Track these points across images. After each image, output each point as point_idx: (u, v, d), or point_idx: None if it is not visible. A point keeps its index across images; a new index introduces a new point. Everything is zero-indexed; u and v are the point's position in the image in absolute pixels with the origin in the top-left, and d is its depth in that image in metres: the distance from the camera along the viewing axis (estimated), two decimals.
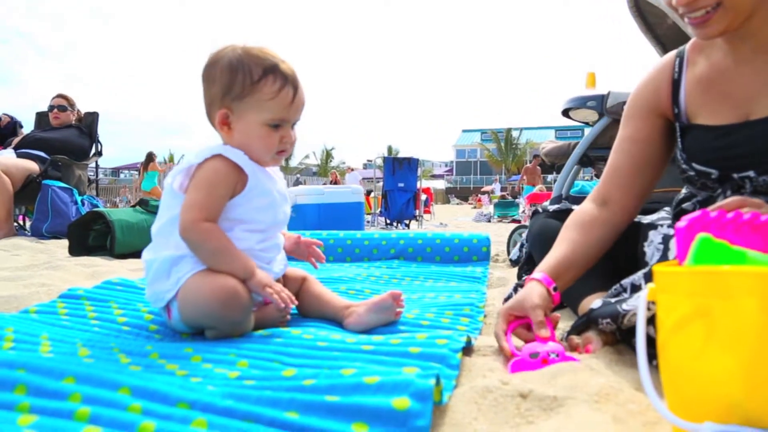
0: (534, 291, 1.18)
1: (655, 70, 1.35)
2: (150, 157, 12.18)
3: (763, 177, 1.14)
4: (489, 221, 10.95)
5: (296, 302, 1.32)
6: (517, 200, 12.63)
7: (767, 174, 1.13)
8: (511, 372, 1.04)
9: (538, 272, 1.24)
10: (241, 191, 1.27)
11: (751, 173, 1.15)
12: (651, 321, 0.84)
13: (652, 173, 1.36)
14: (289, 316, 1.37)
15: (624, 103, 1.48)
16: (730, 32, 1.13)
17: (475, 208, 20.66)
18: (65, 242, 3.35)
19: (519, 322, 1.17)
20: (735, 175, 1.18)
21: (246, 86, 1.24)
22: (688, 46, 1.32)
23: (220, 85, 1.26)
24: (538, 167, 13.20)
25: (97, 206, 4.50)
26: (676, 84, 1.30)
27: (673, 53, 1.34)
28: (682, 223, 0.81)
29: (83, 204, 4.38)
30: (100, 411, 0.73)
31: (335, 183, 15.72)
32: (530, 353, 1.06)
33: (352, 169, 15.69)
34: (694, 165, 1.25)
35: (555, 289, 1.21)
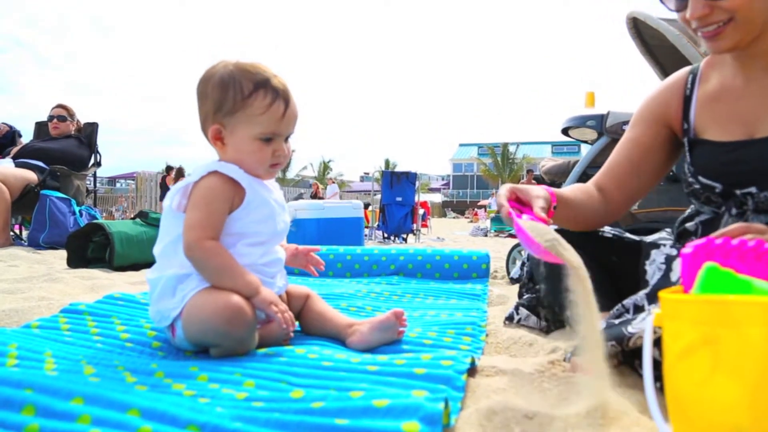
0: (539, 189, 1.20)
1: (668, 84, 1.40)
2: (180, 171, 12.53)
3: (765, 193, 1.17)
4: (486, 235, 10.98)
5: (295, 326, 1.32)
6: None
7: None
8: (517, 217, 1.09)
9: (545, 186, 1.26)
10: (239, 205, 1.28)
11: (753, 189, 1.18)
12: (656, 344, 0.85)
13: (648, 179, 1.43)
14: (292, 334, 1.37)
15: (624, 123, 1.52)
16: (741, 49, 1.17)
17: (471, 222, 20.69)
18: (63, 253, 3.34)
19: (517, 205, 1.17)
20: (738, 191, 1.20)
21: (237, 101, 1.26)
22: (702, 63, 1.36)
23: (212, 101, 1.28)
24: (534, 181, 13.28)
25: (96, 217, 4.50)
26: (687, 100, 1.34)
27: (687, 69, 1.39)
28: (688, 249, 0.82)
29: (81, 215, 4.38)
30: None
31: (316, 194, 15.59)
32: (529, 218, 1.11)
33: (333, 181, 15.73)
34: (700, 178, 1.28)
35: (554, 207, 1.22)
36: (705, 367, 0.66)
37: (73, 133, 4.91)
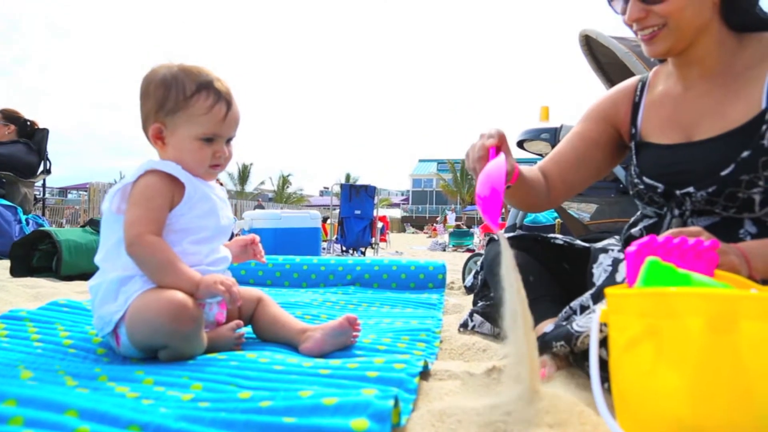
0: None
1: (620, 89, 1.47)
2: None
3: (701, 192, 1.23)
4: (444, 250, 11.07)
5: (240, 301, 1.27)
6: (471, 230, 12.82)
7: (704, 190, 1.22)
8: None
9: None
10: (180, 200, 1.28)
11: (691, 189, 1.24)
12: (603, 343, 0.87)
13: (589, 173, 1.49)
14: (243, 339, 1.34)
15: None
16: (676, 54, 1.26)
17: (430, 237, 20.84)
18: (6, 263, 3.20)
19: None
20: (677, 192, 1.26)
21: (179, 101, 1.27)
22: (651, 73, 1.45)
23: (154, 99, 1.28)
24: None
25: (43, 226, 4.33)
26: (636, 107, 1.42)
27: (637, 78, 1.47)
28: (632, 247, 0.85)
29: (28, 223, 4.21)
30: None
31: None
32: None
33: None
34: (644, 179, 1.34)
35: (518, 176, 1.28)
36: (648, 359, 0.68)
37: (19, 138, 4.71)
